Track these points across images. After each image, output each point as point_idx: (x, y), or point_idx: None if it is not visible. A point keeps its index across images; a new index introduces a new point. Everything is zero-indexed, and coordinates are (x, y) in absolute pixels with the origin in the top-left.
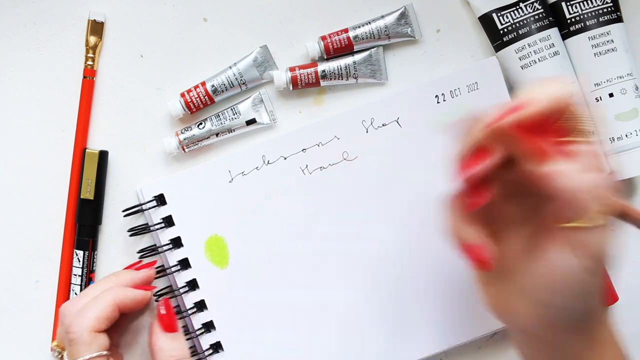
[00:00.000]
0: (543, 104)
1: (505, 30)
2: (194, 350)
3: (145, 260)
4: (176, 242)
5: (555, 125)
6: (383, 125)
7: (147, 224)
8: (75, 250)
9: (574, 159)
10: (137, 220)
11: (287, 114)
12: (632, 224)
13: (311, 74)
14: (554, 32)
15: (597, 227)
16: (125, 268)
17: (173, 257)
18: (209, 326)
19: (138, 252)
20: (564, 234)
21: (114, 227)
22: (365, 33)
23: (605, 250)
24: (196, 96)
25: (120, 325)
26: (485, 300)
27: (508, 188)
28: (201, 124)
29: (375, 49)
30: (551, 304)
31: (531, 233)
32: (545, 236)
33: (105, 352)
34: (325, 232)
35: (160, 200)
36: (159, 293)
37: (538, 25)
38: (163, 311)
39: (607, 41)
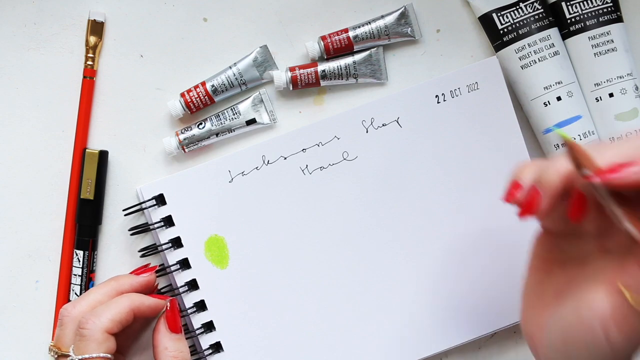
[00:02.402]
0: None
1: (505, 30)
2: (194, 350)
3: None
4: (176, 242)
5: None
6: (383, 125)
7: (147, 223)
8: (75, 250)
9: None
10: (137, 220)
11: (287, 114)
12: None
13: (311, 74)
14: (554, 32)
15: None
16: (131, 273)
17: (173, 257)
18: (209, 326)
19: (140, 251)
20: (614, 303)
21: (114, 227)
22: (365, 33)
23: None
24: (196, 96)
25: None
26: (521, 317)
27: (601, 223)
28: (201, 124)
29: (375, 49)
30: (564, 354)
31: (587, 275)
32: (596, 285)
33: (110, 356)
34: (325, 232)
35: (160, 200)
36: (161, 290)
37: (538, 25)
38: (170, 311)
39: (607, 41)
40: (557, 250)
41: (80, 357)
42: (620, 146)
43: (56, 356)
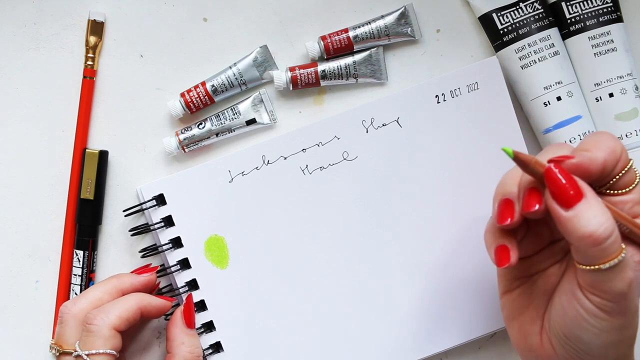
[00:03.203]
0: (601, 155)
1: (505, 30)
2: None
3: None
4: (176, 242)
5: (607, 178)
6: (383, 125)
7: (147, 223)
8: (75, 250)
9: (598, 206)
10: (137, 220)
11: (287, 114)
12: None
13: (311, 74)
14: (554, 32)
15: (614, 269)
16: (132, 272)
17: (173, 257)
18: (209, 326)
19: (140, 252)
20: (581, 275)
21: (114, 227)
22: (365, 33)
23: (625, 288)
24: (196, 96)
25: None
26: (510, 335)
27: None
28: (201, 124)
29: (375, 49)
30: (574, 340)
31: (563, 272)
32: (568, 276)
33: (116, 353)
34: (325, 232)
35: (160, 200)
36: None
37: (538, 25)
38: (187, 306)
39: (607, 41)
40: (520, 270)
41: (86, 352)
42: (558, 149)
43: (58, 354)
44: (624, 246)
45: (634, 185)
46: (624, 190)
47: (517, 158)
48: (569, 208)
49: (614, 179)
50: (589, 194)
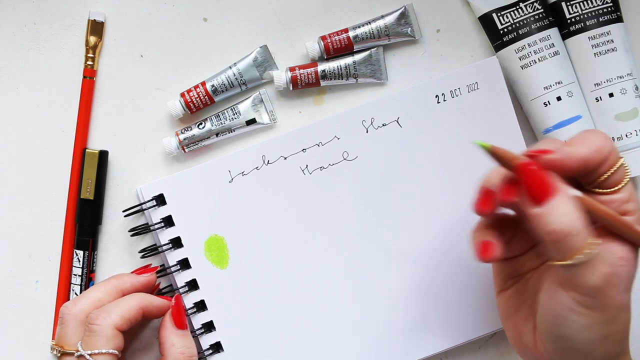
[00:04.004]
0: (582, 152)
1: (505, 30)
2: None
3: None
4: (176, 242)
5: (593, 175)
6: (383, 125)
7: (147, 223)
8: (75, 250)
9: (567, 202)
10: (137, 220)
11: (287, 114)
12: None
13: (311, 74)
14: (554, 32)
15: (585, 264)
16: (132, 272)
17: (173, 257)
18: (209, 326)
19: (140, 252)
20: (556, 271)
21: (114, 227)
22: (365, 33)
23: (599, 282)
24: (196, 96)
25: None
26: (507, 334)
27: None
28: (201, 124)
29: (375, 49)
30: (559, 337)
31: (544, 269)
32: (548, 273)
33: (118, 353)
34: (325, 232)
35: (160, 200)
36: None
37: (538, 25)
38: (176, 307)
39: (607, 41)
40: (512, 269)
41: (89, 352)
42: (546, 144)
43: (59, 355)
44: (597, 241)
45: (622, 184)
46: (612, 189)
47: (493, 153)
48: (537, 204)
49: (602, 178)
50: (560, 190)
